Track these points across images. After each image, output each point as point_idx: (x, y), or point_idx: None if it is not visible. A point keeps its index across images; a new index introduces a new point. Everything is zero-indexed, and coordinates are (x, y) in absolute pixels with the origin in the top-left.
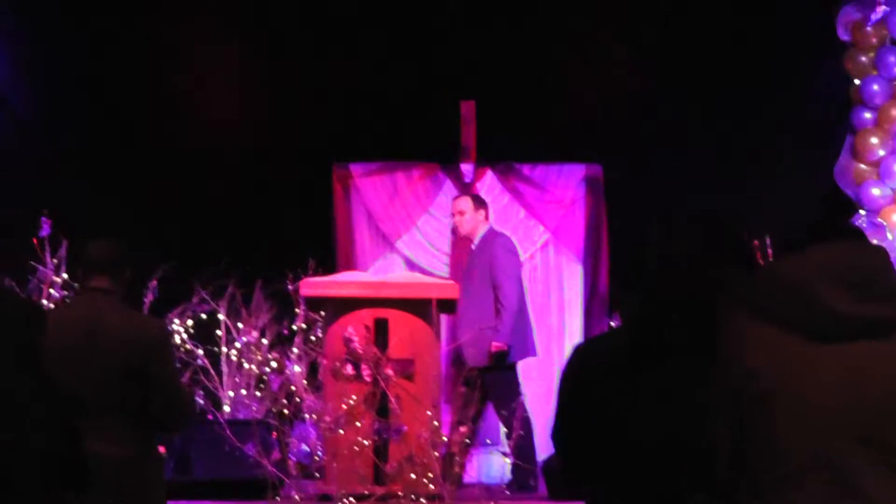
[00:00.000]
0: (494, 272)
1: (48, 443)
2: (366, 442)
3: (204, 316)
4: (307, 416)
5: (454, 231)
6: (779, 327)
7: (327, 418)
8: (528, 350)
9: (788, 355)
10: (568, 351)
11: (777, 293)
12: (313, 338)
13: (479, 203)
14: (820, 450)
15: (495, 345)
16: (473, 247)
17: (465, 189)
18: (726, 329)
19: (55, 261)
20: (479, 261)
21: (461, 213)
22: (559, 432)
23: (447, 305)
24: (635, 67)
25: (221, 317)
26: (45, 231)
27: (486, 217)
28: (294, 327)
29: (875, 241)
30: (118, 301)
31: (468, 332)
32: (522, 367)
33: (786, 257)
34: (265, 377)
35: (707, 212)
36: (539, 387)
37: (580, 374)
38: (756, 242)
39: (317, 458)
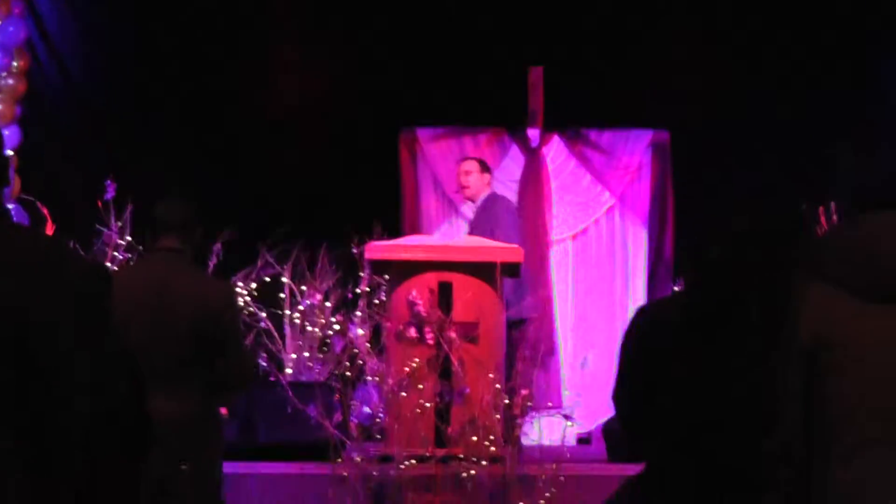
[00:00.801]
0: (496, 231)
1: (116, 402)
2: (428, 404)
3: (268, 279)
4: (370, 378)
5: (459, 190)
6: (845, 291)
7: (390, 381)
8: (525, 310)
9: (855, 320)
10: (631, 315)
11: (840, 257)
12: (377, 301)
13: (485, 167)
14: (889, 415)
15: None
16: (475, 208)
17: (533, 154)
18: (791, 295)
19: (119, 224)
20: (481, 221)
21: (467, 173)
22: (621, 388)
23: (511, 269)
24: (705, 31)
25: (285, 280)
26: (110, 194)
27: (489, 182)
28: (358, 291)
29: None
30: (187, 261)
31: None
32: (586, 332)
33: (847, 222)
34: (328, 340)
35: (757, 193)
36: (602, 350)
37: (642, 334)
38: (821, 208)
39: (378, 420)
